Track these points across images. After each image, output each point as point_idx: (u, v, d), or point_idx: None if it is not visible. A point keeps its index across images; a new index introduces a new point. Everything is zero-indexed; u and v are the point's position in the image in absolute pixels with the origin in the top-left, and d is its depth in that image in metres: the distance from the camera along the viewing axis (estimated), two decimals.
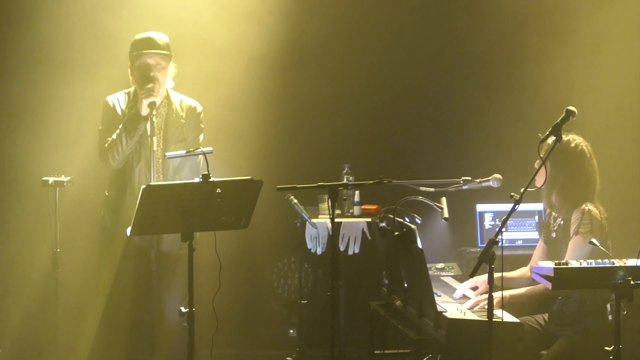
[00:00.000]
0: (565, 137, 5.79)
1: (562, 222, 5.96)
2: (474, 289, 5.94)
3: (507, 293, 5.73)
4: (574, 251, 5.75)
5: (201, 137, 6.62)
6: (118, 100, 6.57)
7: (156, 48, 6.48)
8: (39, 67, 7.54)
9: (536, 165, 5.82)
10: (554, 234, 6.02)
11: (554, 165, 5.84)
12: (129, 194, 6.45)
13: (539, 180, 5.70)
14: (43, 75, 7.53)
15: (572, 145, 5.89)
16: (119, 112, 6.53)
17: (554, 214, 6.03)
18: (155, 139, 6.42)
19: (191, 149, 6.11)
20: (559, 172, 5.85)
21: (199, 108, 6.66)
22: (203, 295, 6.08)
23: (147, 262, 6.40)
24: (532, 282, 5.84)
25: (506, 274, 5.99)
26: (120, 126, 6.44)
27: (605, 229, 5.84)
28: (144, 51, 6.46)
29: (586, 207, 5.82)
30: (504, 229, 5.12)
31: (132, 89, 6.59)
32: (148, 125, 6.43)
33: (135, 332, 6.59)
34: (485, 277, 5.80)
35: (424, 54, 7.96)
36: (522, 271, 6.17)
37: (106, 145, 6.47)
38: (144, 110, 6.39)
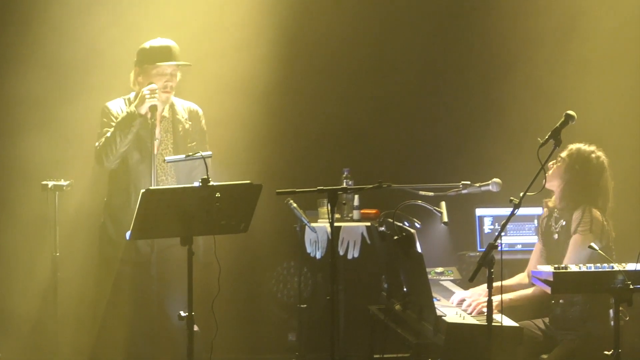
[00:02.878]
0: (589, 147, 5.96)
1: (564, 223, 5.97)
2: None
3: (505, 297, 5.75)
4: (573, 250, 5.77)
5: (206, 139, 6.65)
6: (119, 106, 6.57)
7: (177, 59, 6.51)
8: (38, 71, 7.53)
9: (551, 165, 5.90)
10: (556, 236, 6.02)
11: (571, 169, 5.89)
12: (133, 199, 6.41)
13: (551, 182, 5.78)
14: (43, 80, 7.52)
15: (593, 156, 5.95)
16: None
17: (555, 215, 6.04)
18: (156, 143, 6.43)
19: (190, 153, 6.11)
20: (574, 177, 5.88)
21: (200, 111, 6.71)
22: (203, 299, 6.08)
23: (148, 266, 6.40)
24: (530, 287, 5.85)
25: (504, 282, 6.00)
26: (114, 124, 6.45)
27: (606, 230, 5.85)
28: (167, 63, 6.47)
29: (586, 207, 5.84)
30: (503, 233, 5.12)
31: (131, 95, 6.60)
32: (157, 131, 6.45)
33: (135, 337, 6.59)
34: (480, 289, 5.83)
35: (423, 58, 7.96)
36: (520, 278, 6.17)
37: (101, 144, 6.47)
38: (143, 110, 6.40)
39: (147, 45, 6.53)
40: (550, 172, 5.90)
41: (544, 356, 5.80)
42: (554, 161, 5.99)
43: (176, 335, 6.41)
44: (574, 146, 5.98)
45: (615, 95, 7.55)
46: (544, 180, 5.38)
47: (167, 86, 6.50)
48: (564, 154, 5.98)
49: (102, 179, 6.86)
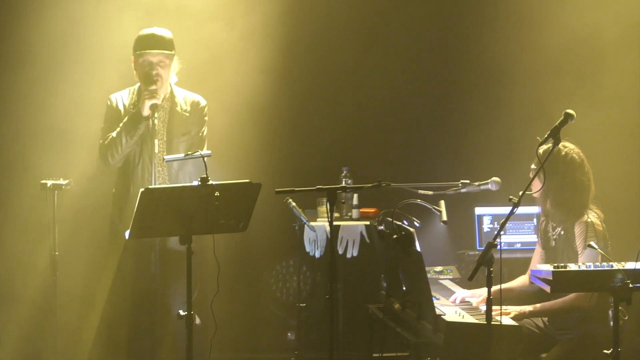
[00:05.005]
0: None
1: (562, 232, 5.94)
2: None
3: (525, 309, 5.75)
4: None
5: (204, 130, 6.63)
6: (122, 97, 6.60)
7: (159, 47, 6.49)
8: (38, 68, 7.53)
9: (533, 166, 5.83)
10: (553, 243, 6.00)
11: (546, 173, 5.82)
12: (132, 193, 6.43)
13: (535, 185, 5.68)
14: (42, 78, 7.53)
15: (562, 153, 5.86)
16: (121, 108, 6.55)
17: (552, 223, 6.02)
18: (156, 141, 6.42)
19: (189, 152, 6.11)
20: (551, 180, 5.80)
21: (203, 102, 6.68)
22: (202, 298, 6.08)
23: (148, 264, 6.40)
24: (532, 289, 5.84)
25: (506, 285, 6.00)
26: (121, 125, 6.46)
27: (606, 236, 5.84)
28: (147, 51, 6.47)
29: (589, 220, 5.81)
30: (502, 232, 5.12)
31: (137, 86, 6.61)
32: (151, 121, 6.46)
33: (136, 334, 6.59)
34: (482, 290, 5.82)
35: (422, 57, 7.96)
36: (522, 280, 6.15)
37: (106, 142, 6.49)
38: (146, 111, 6.41)
39: (138, 34, 6.55)
40: (534, 191, 5.73)
41: (543, 355, 5.79)
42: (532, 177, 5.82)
43: (177, 332, 6.41)
44: (540, 151, 5.51)
45: (615, 94, 7.54)
46: (534, 194, 5.38)
47: (156, 74, 6.46)
48: (533, 165, 5.81)
49: (102, 177, 6.87)
